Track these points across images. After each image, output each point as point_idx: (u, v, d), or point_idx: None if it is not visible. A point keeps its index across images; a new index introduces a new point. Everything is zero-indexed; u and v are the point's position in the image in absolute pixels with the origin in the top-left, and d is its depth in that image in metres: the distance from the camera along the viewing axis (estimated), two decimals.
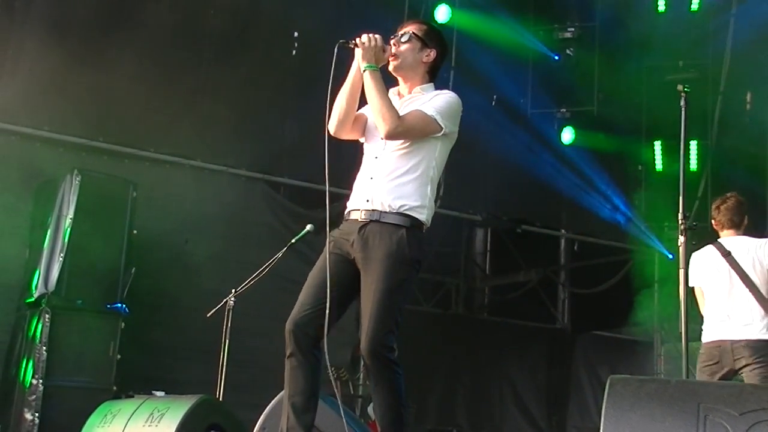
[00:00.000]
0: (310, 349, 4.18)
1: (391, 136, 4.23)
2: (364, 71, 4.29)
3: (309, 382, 4.18)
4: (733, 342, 6.22)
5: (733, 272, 6.32)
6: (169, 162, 9.87)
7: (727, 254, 6.36)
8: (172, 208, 9.58)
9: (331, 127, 4.41)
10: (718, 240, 6.53)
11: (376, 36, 4.34)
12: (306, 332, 4.16)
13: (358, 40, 4.32)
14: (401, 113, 4.28)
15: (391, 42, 4.43)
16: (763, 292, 6.31)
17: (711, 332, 6.38)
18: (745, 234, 6.49)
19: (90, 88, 9.02)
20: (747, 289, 6.29)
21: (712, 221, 6.61)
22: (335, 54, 4.26)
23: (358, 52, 4.32)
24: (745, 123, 13.00)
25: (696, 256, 6.50)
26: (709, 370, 6.31)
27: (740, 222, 6.51)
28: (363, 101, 4.43)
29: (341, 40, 4.32)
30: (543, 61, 12.37)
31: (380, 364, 4.13)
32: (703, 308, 6.50)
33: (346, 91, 4.36)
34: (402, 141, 4.30)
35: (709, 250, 6.50)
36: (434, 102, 4.34)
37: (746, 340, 6.19)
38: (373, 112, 4.29)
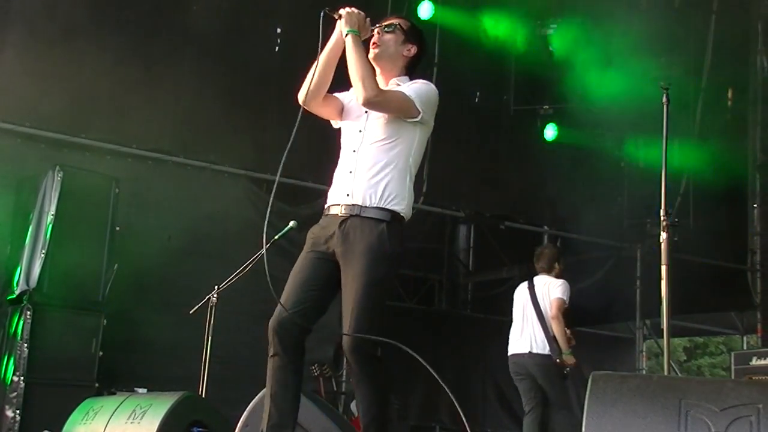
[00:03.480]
0: (294, 348, 4.18)
1: (369, 102, 4.23)
2: (346, 35, 4.30)
3: (292, 382, 4.18)
4: (527, 354, 8.24)
5: (528, 301, 8.33)
6: (151, 158, 9.84)
7: (531, 287, 8.40)
8: (155, 205, 9.55)
9: (302, 95, 4.44)
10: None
11: (359, 11, 4.39)
12: (290, 332, 4.16)
13: (342, 10, 4.35)
14: None
15: (375, 30, 4.45)
16: (548, 318, 8.20)
17: (512, 347, 8.44)
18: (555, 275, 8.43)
19: (72, 84, 8.98)
20: (536, 316, 8.24)
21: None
22: (321, 23, 4.28)
23: (341, 22, 4.34)
24: (726, 119, 13.09)
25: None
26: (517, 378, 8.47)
27: (549, 267, 8.44)
28: (339, 85, 4.45)
29: (326, 8, 4.33)
30: (525, 58, 12.40)
31: (362, 360, 4.13)
32: None
33: (323, 60, 4.38)
34: (380, 133, 4.31)
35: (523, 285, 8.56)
36: (412, 86, 4.38)
37: (531, 353, 8.23)
38: (353, 77, 4.28)
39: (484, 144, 11.77)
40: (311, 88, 4.40)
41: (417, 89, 4.35)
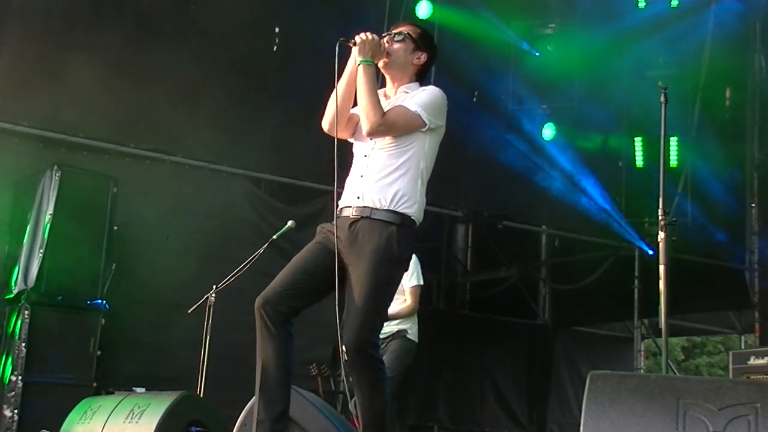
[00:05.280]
0: (282, 324, 4.18)
1: (373, 133, 4.25)
2: (359, 65, 4.30)
3: (281, 358, 4.18)
4: None
5: None
6: (149, 158, 9.84)
7: None
8: (153, 204, 9.55)
9: (325, 124, 4.44)
10: None
11: (374, 35, 4.36)
12: (276, 308, 4.17)
13: (357, 38, 4.33)
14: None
15: (384, 40, 4.44)
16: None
17: None
18: None
19: (70, 84, 8.97)
20: None
21: None
22: (337, 52, 4.28)
23: (355, 50, 4.33)
24: (724, 119, 13.10)
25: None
26: None
27: None
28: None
29: (341, 39, 4.32)
30: (524, 58, 12.40)
31: (363, 360, 4.13)
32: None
33: (341, 89, 4.36)
34: (390, 139, 4.31)
35: None
36: (417, 98, 4.36)
37: None
38: (359, 107, 4.30)
39: (483, 143, 11.76)
40: (332, 116, 4.40)
41: (422, 101, 4.34)
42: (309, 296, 4.29)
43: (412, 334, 7.70)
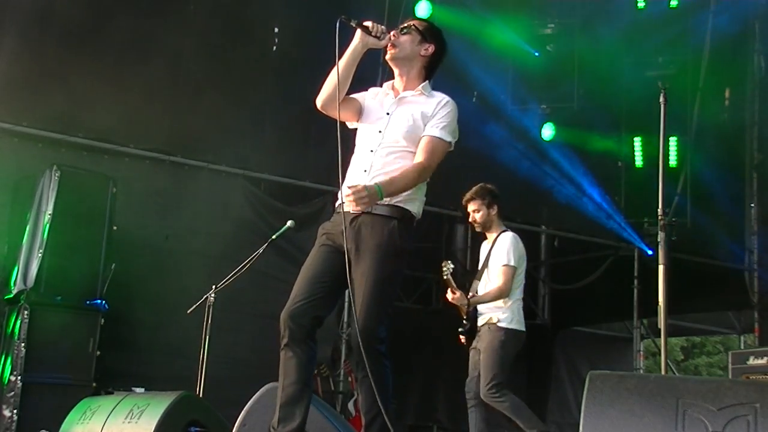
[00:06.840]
0: (305, 339, 4.21)
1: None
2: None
3: (302, 373, 4.20)
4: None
5: None
6: (148, 158, 9.83)
7: None
8: (152, 204, 9.55)
9: (319, 100, 4.46)
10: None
11: (382, 27, 4.42)
12: (300, 323, 4.19)
13: (370, 24, 4.37)
14: (400, 112, 4.40)
15: (391, 33, 4.46)
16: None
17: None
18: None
19: (69, 84, 8.96)
20: None
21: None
22: (337, 30, 4.27)
23: (360, 33, 4.37)
24: (723, 119, 13.09)
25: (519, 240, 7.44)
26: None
27: None
28: (359, 86, 4.53)
29: (342, 16, 4.32)
30: (523, 58, 12.39)
31: (370, 355, 4.14)
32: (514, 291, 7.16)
33: (341, 68, 4.37)
34: (402, 143, 4.37)
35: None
36: (443, 120, 4.43)
37: None
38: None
39: (482, 143, 11.75)
40: (327, 94, 4.42)
41: (449, 126, 4.45)
42: (330, 302, 4.35)
43: (504, 321, 7.05)
